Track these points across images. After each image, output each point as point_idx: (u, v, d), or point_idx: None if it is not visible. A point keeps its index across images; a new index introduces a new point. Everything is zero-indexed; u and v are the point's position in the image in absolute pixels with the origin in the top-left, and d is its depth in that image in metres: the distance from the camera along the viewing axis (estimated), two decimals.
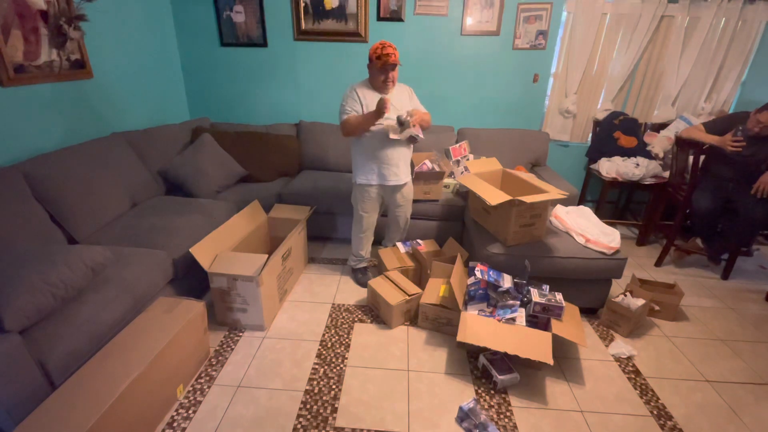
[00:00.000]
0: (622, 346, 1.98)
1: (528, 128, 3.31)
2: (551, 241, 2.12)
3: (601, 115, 3.27)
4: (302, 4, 3.06)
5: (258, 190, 2.79)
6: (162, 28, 3.11)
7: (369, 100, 2.06)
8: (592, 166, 3.25)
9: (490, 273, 1.95)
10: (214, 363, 1.83)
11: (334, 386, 1.72)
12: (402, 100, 2.14)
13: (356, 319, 2.15)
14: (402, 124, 1.96)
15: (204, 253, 1.94)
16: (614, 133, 3.15)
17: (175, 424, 1.53)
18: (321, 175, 3.02)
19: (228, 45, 3.24)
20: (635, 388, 1.77)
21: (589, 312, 2.26)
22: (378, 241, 2.67)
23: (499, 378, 1.70)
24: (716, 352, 2.02)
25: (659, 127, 3.19)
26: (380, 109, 1.87)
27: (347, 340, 2.00)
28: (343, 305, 2.27)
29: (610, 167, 3.01)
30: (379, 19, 3.08)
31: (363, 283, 2.43)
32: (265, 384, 1.72)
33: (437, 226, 2.75)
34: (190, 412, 1.58)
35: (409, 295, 2.07)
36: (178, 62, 3.33)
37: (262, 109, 3.44)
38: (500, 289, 1.92)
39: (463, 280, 2.02)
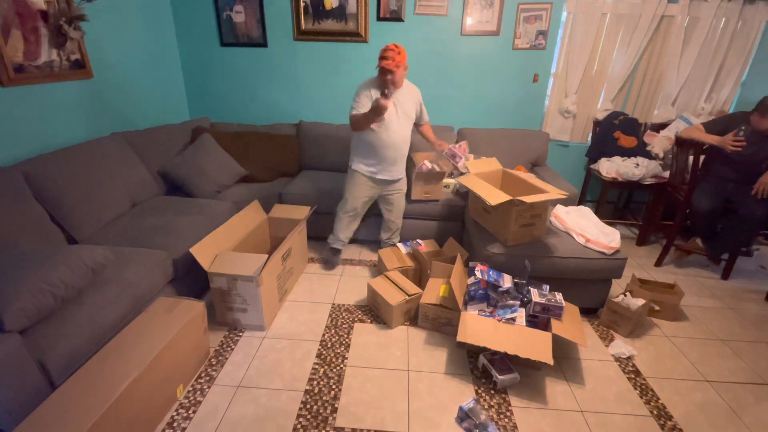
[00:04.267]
0: (622, 346, 1.98)
1: (528, 128, 3.31)
2: (551, 241, 2.12)
3: (601, 115, 3.27)
4: (302, 4, 3.06)
5: (258, 190, 2.79)
6: (162, 28, 3.11)
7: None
8: (592, 166, 3.25)
9: (490, 273, 1.95)
10: (214, 363, 1.83)
11: (334, 386, 1.72)
12: (407, 101, 2.24)
13: (356, 319, 2.15)
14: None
15: (204, 253, 1.94)
16: (614, 133, 3.15)
17: (175, 424, 1.53)
18: (321, 175, 3.02)
19: (228, 45, 3.24)
20: (635, 388, 1.77)
21: (589, 312, 2.26)
22: (378, 242, 2.69)
23: (499, 378, 1.70)
24: (716, 352, 2.02)
25: (659, 127, 3.19)
26: (377, 111, 1.99)
27: (347, 340, 2.00)
28: (343, 305, 2.27)
29: (610, 167, 3.01)
30: (379, 19, 3.08)
31: (330, 262, 2.54)
32: (265, 384, 1.72)
33: (437, 226, 2.75)
34: (190, 412, 1.58)
35: (409, 295, 2.07)
36: (178, 62, 3.33)
37: (262, 109, 3.44)
38: (500, 289, 1.91)
39: (463, 280, 2.02)
